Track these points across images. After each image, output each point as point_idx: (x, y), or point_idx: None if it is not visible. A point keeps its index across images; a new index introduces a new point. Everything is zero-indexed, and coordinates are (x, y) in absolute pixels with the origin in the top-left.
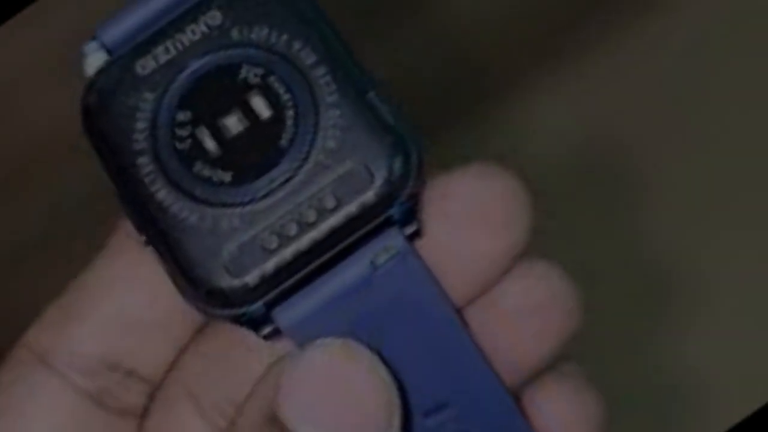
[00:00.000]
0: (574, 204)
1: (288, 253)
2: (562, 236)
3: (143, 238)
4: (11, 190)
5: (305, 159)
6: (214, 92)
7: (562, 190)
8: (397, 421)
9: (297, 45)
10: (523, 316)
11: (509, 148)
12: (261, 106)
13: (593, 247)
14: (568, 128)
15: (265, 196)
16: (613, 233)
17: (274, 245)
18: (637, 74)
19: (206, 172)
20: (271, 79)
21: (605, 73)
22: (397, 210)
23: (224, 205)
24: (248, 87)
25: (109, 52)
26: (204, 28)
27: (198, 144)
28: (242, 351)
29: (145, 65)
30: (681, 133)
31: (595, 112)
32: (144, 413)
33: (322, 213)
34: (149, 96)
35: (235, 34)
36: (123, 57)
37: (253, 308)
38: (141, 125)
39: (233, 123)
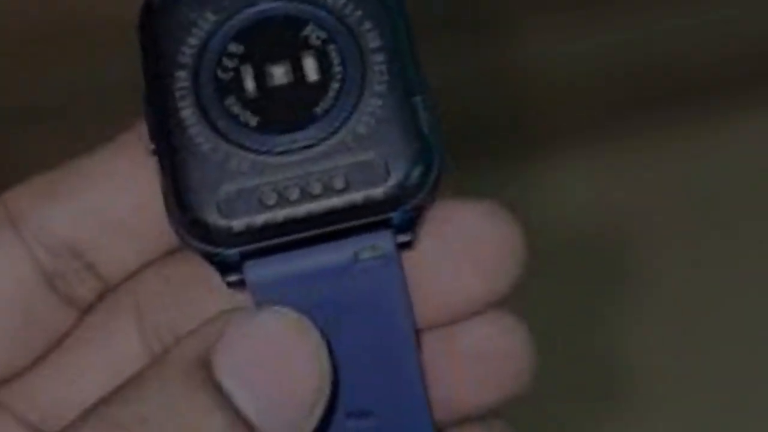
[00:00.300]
0: (558, 277)
1: (281, 214)
2: (537, 302)
3: (153, 146)
4: (47, 56)
5: (332, 133)
6: (273, 38)
7: (553, 259)
8: (318, 411)
9: (367, 25)
10: (475, 360)
11: (523, 200)
12: (311, 68)
13: (560, 326)
14: (583, 204)
15: (281, 152)
16: (582, 322)
17: (271, 202)
18: (671, 175)
19: (236, 109)
20: (331, 47)
21: (639, 165)
22: (399, 216)
23: (240, 146)
24: (306, 45)
25: None
26: None
27: (239, 80)
28: (202, 289)
29: None
30: (686, 240)
31: (613, 199)
32: (88, 309)
33: (328, 190)
34: (211, 17)
35: None
36: None
37: (228, 253)
38: (192, 41)
39: (279, 73)
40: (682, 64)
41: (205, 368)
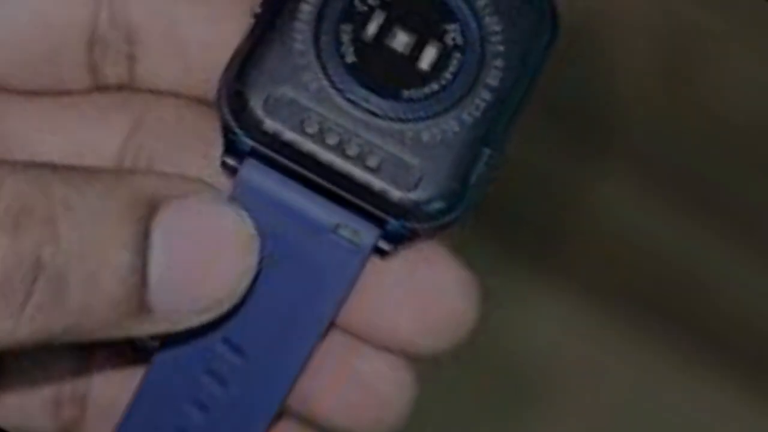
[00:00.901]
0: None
1: (308, 146)
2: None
3: (259, 10)
4: None
5: (400, 120)
6: (421, 9)
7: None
8: (205, 318)
9: (499, 63)
10: (354, 382)
11: (497, 302)
12: (428, 58)
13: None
14: (548, 337)
15: (350, 101)
16: None
17: (309, 130)
18: None
19: (345, 38)
20: (457, 54)
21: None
22: (395, 225)
23: (324, 69)
24: (440, 37)
25: None
26: None
27: (366, 17)
28: (200, 149)
29: None
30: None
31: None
32: (102, 89)
33: (359, 159)
34: None
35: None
36: None
37: (243, 140)
38: None
39: (402, 41)
40: (714, 304)
41: (148, 210)
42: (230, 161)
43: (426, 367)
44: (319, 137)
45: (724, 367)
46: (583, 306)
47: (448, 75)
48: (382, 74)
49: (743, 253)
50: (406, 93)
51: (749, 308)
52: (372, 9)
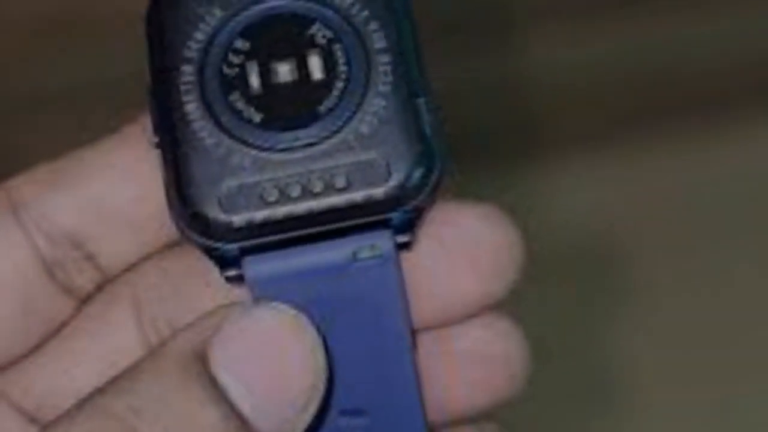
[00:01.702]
0: (553, 284)
1: (281, 211)
2: (532, 307)
3: (156, 139)
4: (54, 45)
5: (335, 132)
6: (279, 35)
7: (549, 266)
8: (312, 408)
9: (373, 25)
10: (469, 362)
11: (522, 206)
12: (316, 67)
13: (555, 332)
14: (582, 212)
15: (283, 150)
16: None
17: (272, 198)
18: (672, 187)
19: (240, 105)
20: (336, 46)
21: (640, 176)
22: (398, 216)
23: (243, 142)
24: (312, 44)
25: None
26: None
27: (244, 76)
28: (200, 282)
29: None
30: (682, 253)
31: (612, 209)
32: (86, 299)
33: (329, 188)
34: (218, 13)
35: None
36: None
37: (228, 248)
38: (199, 36)
39: (284, 71)
40: (687, 75)
41: (200, 361)
42: (231, 273)
43: (511, 304)
44: (284, 197)
45: (742, 111)
46: (590, 159)
47: (342, 67)
48: (291, 108)
49: (679, 14)
50: (321, 108)
51: (716, 55)
52: (242, 65)
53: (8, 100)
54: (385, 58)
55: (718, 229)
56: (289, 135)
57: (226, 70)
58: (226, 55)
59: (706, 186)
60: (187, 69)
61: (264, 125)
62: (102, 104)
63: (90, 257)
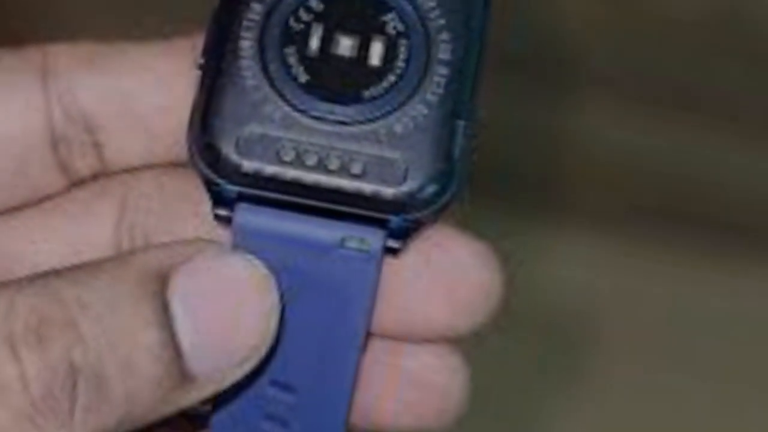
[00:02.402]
0: (519, 341)
1: (291, 173)
2: (490, 356)
3: (202, 61)
4: None
5: (370, 121)
6: (354, 11)
7: (521, 322)
8: (247, 367)
9: (444, 35)
10: (408, 382)
11: (518, 257)
12: (376, 53)
13: (503, 387)
14: (573, 283)
15: (316, 117)
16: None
17: (287, 158)
18: (669, 294)
19: (292, 60)
20: (402, 41)
21: (641, 272)
22: (397, 222)
23: (281, 96)
24: (381, 30)
25: None
26: None
27: (306, 35)
28: (190, 209)
29: None
30: (656, 357)
31: (603, 292)
32: (78, 183)
33: (343, 170)
34: None
35: None
36: None
37: (228, 188)
38: None
39: (345, 45)
40: (721, 197)
41: (160, 283)
42: (222, 212)
43: (469, 344)
44: (299, 162)
45: (750, 250)
46: (599, 239)
47: (400, 63)
48: (338, 83)
49: (730, 138)
50: (366, 93)
51: (752, 188)
52: (309, 24)
53: None
54: (443, 70)
55: (689, 354)
56: (326, 106)
57: (292, 22)
58: (298, 9)
59: (697, 308)
60: (257, 7)
61: (307, 87)
62: (164, 9)
63: (97, 145)
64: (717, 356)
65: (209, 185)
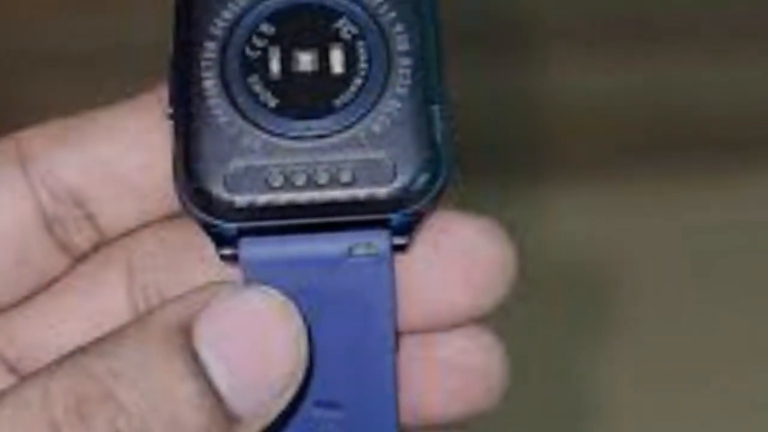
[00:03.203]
0: (542, 303)
1: (284, 197)
2: (518, 324)
3: (171, 110)
4: (81, 4)
5: (347, 127)
6: (305, 25)
7: (540, 285)
8: (288, 395)
9: (399, 27)
10: (448, 371)
11: (522, 223)
12: (337, 60)
13: (537, 351)
14: (580, 236)
15: (294, 137)
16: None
17: (276, 184)
18: (670, 223)
19: (257, 88)
20: (360, 43)
21: (642, 209)
22: (398, 218)
23: (256, 125)
24: (336, 38)
25: None
26: None
27: (265, 60)
28: (195, 257)
29: None
30: (671, 290)
31: (610, 237)
32: (81, 258)
33: (333, 181)
34: None
35: None
36: None
37: (227, 227)
38: (227, 15)
39: (306, 60)
40: (698, 118)
41: (185, 335)
42: (226, 252)
43: (497, 320)
44: (289, 184)
45: (742, 162)
46: (595, 186)
47: (363, 65)
48: (307, 99)
49: (699, 58)
50: (337, 102)
51: (729, 102)
52: (265, 49)
53: (28, 56)
54: (406, 61)
55: (709, 274)
56: (301, 124)
57: (248, 51)
58: (251, 37)
59: (704, 229)
60: (210, 46)
61: (278, 111)
62: (121, 70)
63: (90, 217)
64: (735, 268)
65: (208, 228)
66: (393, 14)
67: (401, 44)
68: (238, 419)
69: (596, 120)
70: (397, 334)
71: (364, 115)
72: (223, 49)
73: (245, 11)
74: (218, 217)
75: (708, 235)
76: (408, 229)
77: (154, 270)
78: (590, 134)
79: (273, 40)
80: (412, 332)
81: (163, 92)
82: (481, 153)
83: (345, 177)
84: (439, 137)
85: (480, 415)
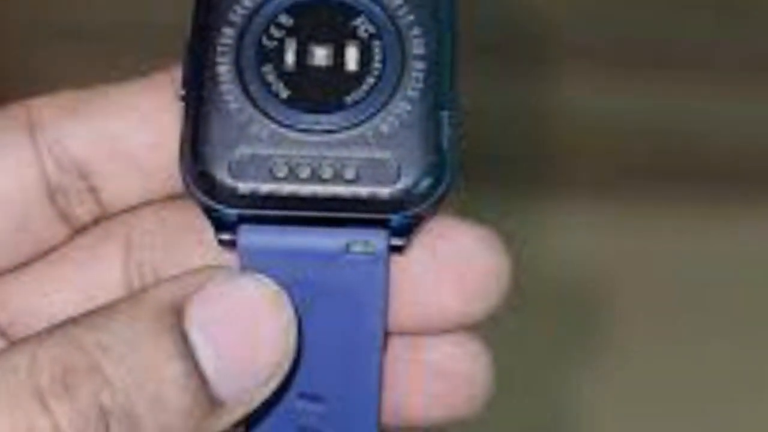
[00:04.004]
0: (533, 317)
1: (287, 188)
2: (507, 336)
3: (183, 92)
4: None
5: (356, 125)
6: (323, 20)
7: (533, 298)
8: (273, 385)
9: (416, 31)
10: (433, 375)
11: (520, 235)
12: (352, 58)
13: (524, 363)
14: (576, 253)
15: (302, 130)
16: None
17: (280, 174)
18: (666, 249)
19: (270, 77)
20: (376, 42)
21: (639, 232)
22: (398, 219)
23: (265, 114)
24: (353, 35)
25: None
26: None
27: (280, 51)
28: (194, 239)
29: None
30: (662, 315)
31: (606, 257)
32: (81, 230)
33: (337, 177)
34: None
35: None
36: None
37: (227, 212)
38: (247, 3)
39: (321, 55)
40: (707, 146)
41: (176, 315)
42: (225, 237)
43: (487, 329)
44: (293, 176)
45: (743, 194)
46: (596, 206)
47: (377, 64)
48: (319, 93)
49: (711, 88)
50: (348, 99)
51: (737, 134)
52: (282, 40)
53: (47, 28)
54: (419, 65)
55: (701, 303)
56: (311, 117)
57: (265, 41)
58: (269, 27)
59: (700, 258)
60: (228, 32)
61: (289, 102)
62: (138, 48)
63: (93, 190)
64: (728, 300)
65: (209, 212)
66: (411, 17)
67: (417, 48)
68: (221, 403)
69: (602, 140)
70: (386, 334)
71: (373, 115)
72: (241, 36)
73: (266, 1)
74: (220, 202)
75: (703, 265)
76: (407, 231)
77: (151, 248)
78: (595, 154)
79: (290, 31)
80: (402, 333)
81: (177, 73)
82: (486, 162)
83: (349, 174)
84: (445, 143)
85: (461, 421)
